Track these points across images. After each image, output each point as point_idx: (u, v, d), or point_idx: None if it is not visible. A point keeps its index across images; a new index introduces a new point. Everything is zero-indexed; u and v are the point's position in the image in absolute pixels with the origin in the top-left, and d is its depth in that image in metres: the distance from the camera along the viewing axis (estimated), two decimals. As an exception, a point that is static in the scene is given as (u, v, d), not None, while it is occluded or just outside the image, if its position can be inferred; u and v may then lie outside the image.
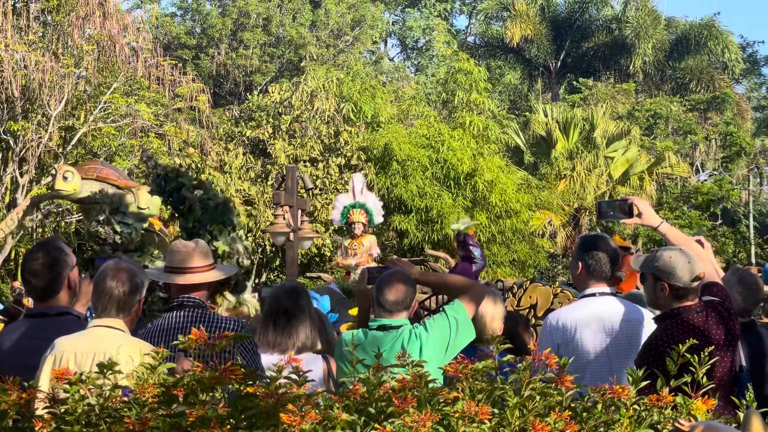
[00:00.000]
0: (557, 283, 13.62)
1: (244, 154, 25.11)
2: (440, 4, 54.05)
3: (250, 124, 26.51)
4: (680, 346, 3.54)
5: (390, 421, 2.83)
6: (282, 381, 2.93)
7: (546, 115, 33.92)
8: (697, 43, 48.83)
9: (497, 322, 5.92)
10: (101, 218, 11.78)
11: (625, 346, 5.33)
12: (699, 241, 5.59)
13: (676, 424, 2.11)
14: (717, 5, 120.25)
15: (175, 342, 3.23)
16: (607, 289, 5.52)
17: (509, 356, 3.34)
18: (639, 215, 5.43)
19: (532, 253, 26.06)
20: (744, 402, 3.39)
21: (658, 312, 5.13)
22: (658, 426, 3.04)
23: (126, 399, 2.88)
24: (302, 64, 37.45)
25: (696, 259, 5.00)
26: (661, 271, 4.94)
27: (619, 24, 49.36)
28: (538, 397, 3.07)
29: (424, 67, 50.62)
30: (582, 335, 5.37)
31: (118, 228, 11.74)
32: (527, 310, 12.23)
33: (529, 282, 12.99)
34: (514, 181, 25.76)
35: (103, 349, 4.33)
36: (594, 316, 5.40)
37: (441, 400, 3.04)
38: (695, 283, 4.95)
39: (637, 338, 5.30)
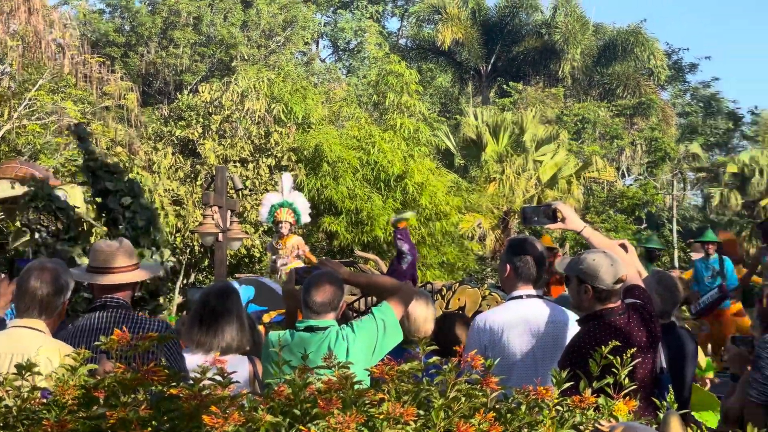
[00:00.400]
0: (486, 285, 13.70)
1: (173, 153, 24.86)
2: (372, 6, 54.13)
3: (180, 123, 26.27)
4: (603, 347, 3.57)
5: (315, 423, 2.81)
6: (206, 382, 2.89)
7: (476, 119, 34.14)
8: (624, 50, 49.50)
9: (430, 323, 5.93)
10: (40, 205, 11.49)
11: (551, 348, 5.36)
12: (623, 245, 5.65)
13: (597, 425, 2.12)
14: (644, 12, 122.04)
15: (97, 343, 3.17)
16: (533, 292, 5.56)
17: (435, 358, 3.34)
18: (563, 220, 5.46)
19: (462, 255, 26.16)
20: (664, 403, 3.42)
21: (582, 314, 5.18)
22: (581, 427, 3.06)
23: (45, 401, 2.82)
24: (233, 64, 37.24)
25: (619, 262, 5.06)
26: (585, 274, 4.99)
27: (549, 29, 49.83)
28: (463, 399, 3.07)
29: (356, 69, 50.65)
30: (509, 337, 5.39)
31: (58, 214, 11.50)
32: (455, 312, 12.25)
33: (457, 284, 13.01)
34: (445, 183, 25.84)
35: (21, 350, 4.26)
36: (521, 318, 5.43)
37: (367, 402, 3.02)
38: (618, 286, 5.01)
39: (562, 340, 5.34)
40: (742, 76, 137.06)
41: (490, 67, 51.30)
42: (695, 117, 58.60)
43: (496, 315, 5.63)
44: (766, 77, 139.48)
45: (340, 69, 51.08)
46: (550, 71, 49.84)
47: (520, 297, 5.52)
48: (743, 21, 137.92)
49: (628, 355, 3.62)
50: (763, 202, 43.30)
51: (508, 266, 5.57)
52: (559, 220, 5.47)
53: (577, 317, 5.22)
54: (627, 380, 3.52)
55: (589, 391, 3.23)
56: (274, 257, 15.39)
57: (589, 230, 5.52)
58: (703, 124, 58.20)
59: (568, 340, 5.23)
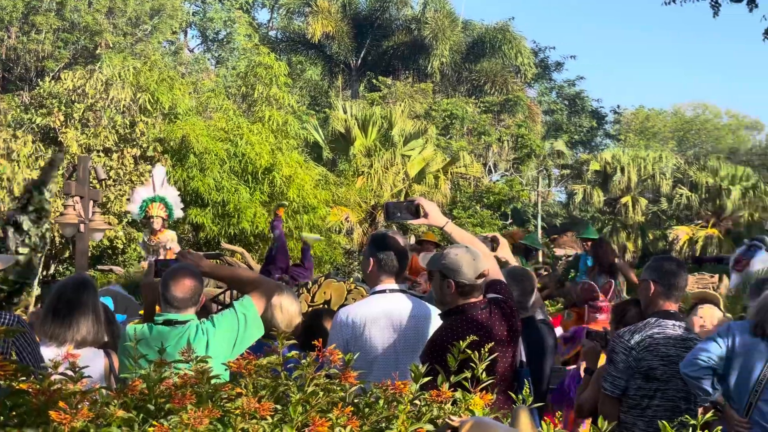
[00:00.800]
0: (352, 279, 13.69)
1: (33, 141, 24.20)
2: (242, -4, 53.69)
3: (41, 111, 25.59)
4: (461, 342, 3.59)
5: (169, 418, 2.76)
6: (57, 377, 2.81)
7: (345, 112, 34.17)
8: (492, 47, 50.22)
9: (297, 318, 5.91)
10: None
11: (412, 342, 5.39)
12: (495, 238, 5.73)
13: (447, 420, 2.12)
14: (512, 11, 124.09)
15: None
16: (396, 286, 5.58)
17: (294, 352, 3.31)
18: (425, 215, 5.48)
19: (329, 249, 26.14)
20: (520, 397, 3.46)
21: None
22: (438, 421, 3.07)
23: None
24: (98, 52, 36.47)
25: (481, 257, 5.11)
26: (448, 269, 5.03)
27: (419, 25, 50.22)
28: (321, 393, 3.05)
29: (225, 60, 50.14)
30: (371, 331, 5.39)
31: None
32: (321, 305, 12.23)
33: (323, 278, 12.99)
34: (313, 177, 25.77)
35: None
36: (383, 312, 5.44)
37: (224, 397, 2.98)
38: (480, 281, 5.07)
39: (424, 334, 5.37)
40: (605, 75, 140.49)
41: (359, 61, 51.48)
42: (560, 115, 59.82)
43: (358, 309, 5.63)
44: (628, 77, 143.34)
45: (208, 59, 50.51)
46: (419, 66, 50.25)
47: (384, 291, 5.53)
48: (607, 21, 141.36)
49: (486, 350, 3.65)
50: (624, 200, 44.44)
51: (371, 260, 5.58)
52: (421, 215, 5.48)
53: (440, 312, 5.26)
54: (485, 374, 3.55)
55: (446, 386, 3.24)
56: (147, 256, 15.20)
57: (450, 226, 5.55)
58: (567, 121, 59.46)
59: (430, 334, 5.27)
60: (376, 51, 51.60)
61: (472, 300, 5.09)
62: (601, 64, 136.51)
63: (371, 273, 5.61)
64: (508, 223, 39.81)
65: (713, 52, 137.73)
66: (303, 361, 3.11)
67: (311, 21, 48.59)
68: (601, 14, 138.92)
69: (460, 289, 5.05)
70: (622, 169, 44.84)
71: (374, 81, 47.47)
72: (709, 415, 3.31)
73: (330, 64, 52.56)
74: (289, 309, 5.53)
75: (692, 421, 3.10)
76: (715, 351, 5.10)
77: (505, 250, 5.78)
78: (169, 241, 15.27)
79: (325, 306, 12.15)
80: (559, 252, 41.51)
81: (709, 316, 7.01)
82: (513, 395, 3.62)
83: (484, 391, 3.32)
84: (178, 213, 16.01)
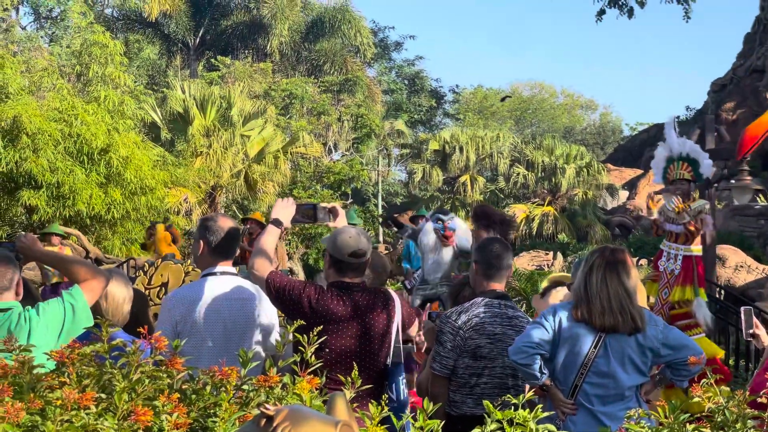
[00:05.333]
0: (189, 261, 13.54)
1: None
2: (76, -27, 52.27)
3: None
4: (288, 326, 3.63)
5: (-15, 411, 2.71)
6: None
7: (184, 92, 33.66)
8: (332, 27, 50.28)
9: (127, 305, 5.83)
10: None
11: (241, 325, 5.42)
12: (333, 209, 5.84)
13: (262, 409, 2.16)
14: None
15: None
16: (229, 268, 5.59)
17: (119, 339, 3.30)
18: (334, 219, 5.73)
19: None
20: (349, 379, 3.51)
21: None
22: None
23: None
24: None
25: (362, 239, 5.30)
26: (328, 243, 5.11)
27: (257, 4, 49.91)
28: (147, 381, 3.05)
29: (59, 38, 48.75)
30: (200, 313, 5.38)
31: None
32: (159, 288, 12.09)
33: (161, 260, 12.83)
34: (150, 157, 25.34)
35: None
36: (212, 294, 5.44)
37: (46, 387, 2.95)
38: (354, 259, 5.29)
39: (252, 316, 5.43)
40: (444, 55, 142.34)
41: (198, 41, 50.84)
42: (400, 95, 60.34)
43: (187, 291, 5.64)
44: (466, 57, 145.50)
45: (42, 37, 49.01)
46: (258, 46, 49.96)
47: (214, 274, 5.54)
48: (446, 2, 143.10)
49: (314, 333, 3.70)
50: (462, 179, 45.15)
51: (201, 242, 5.57)
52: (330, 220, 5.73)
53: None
54: (313, 358, 3.60)
55: (274, 370, 3.27)
56: None
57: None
58: (407, 101, 60.02)
59: (258, 317, 5.35)
60: (215, 30, 51.05)
61: (346, 279, 5.25)
62: (440, 45, 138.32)
63: (201, 255, 5.60)
64: (348, 202, 39.99)
65: (550, 33, 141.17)
66: (128, 348, 3.10)
67: (148, -1, 47.73)
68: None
69: (335, 264, 5.27)
70: (461, 149, 45.46)
71: (213, 60, 46.98)
72: (529, 394, 3.43)
73: (168, 43, 51.75)
74: (116, 296, 5.44)
75: (514, 401, 3.21)
76: (541, 336, 5.18)
77: (342, 221, 5.86)
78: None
79: (163, 288, 12.04)
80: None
81: (557, 298, 7.19)
82: (342, 378, 3.67)
83: (312, 375, 3.36)
84: None
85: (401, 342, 5.37)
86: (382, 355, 5.25)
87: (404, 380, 5.33)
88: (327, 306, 5.12)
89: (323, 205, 5.89)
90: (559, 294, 7.29)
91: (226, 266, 5.57)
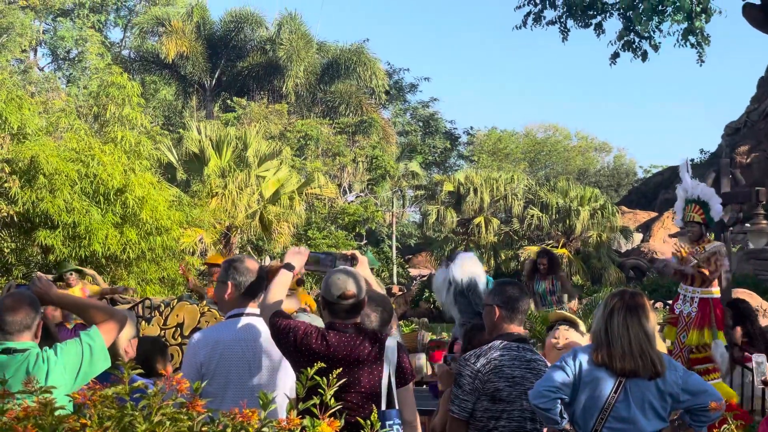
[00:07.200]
0: (204, 302, 13.54)
1: None
2: (94, 15, 52.74)
3: None
4: (308, 369, 3.62)
5: (10, 452, 2.72)
6: None
7: (199, 133, 33.82)
8: (347, 68, 50.54)
9: (132, 347, 5.83)
10: None
11: (267, 367, 5.42)
12: (354, 256, 5.86)
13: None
14: (367, 32, 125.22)
15: None
16: (254, 310, 5.59)
17: (141, 381, 3.30)
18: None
19: (183, 271, 25.81)
20: (368, 422, 3.51)
21: None
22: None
23: None
24: (-58, 69, 35.34)
25: (352, 281, 5.28)
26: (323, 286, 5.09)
27: (273, 45, 50.18)
28: (168, 423, 3.05)
29: (76, 79, 49.17)
30: (224, 355, 5.39)
31: None
32: (174, 328, 12.09)
33: (176, 300, 12.84)
34: (166, 197, 25.43)
35: None
36: (237, 336, 5.45)
37: (68, 429, 2.95)
38: (344, 301, 5.21)
39: (277, 359, 5.42)
40: (459, 97, 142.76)
41: (214, 82, 51.12)
42: (414, 136, 60.41)
43: (212, 333, 5.64)
44: (481, 99, 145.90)
45: (59, 78, 49.48)
46: (274, 87, 50.18)
47: (240, 315, 5.56)
48: (461, 44, 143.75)
49: (334, 375, 3.69)
50: (476, 220, 45.08)
51: (230, 285, 5.59)
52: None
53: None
54: (333, 400, 3.59)
55: (294, 413, 3.27)
56: None
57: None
58: (422, 143, 60.07)
59: (283, 359, 5.36)
60: (231, 71, 51.32)
61: (338, 321, 5.23)
62: (455, 87, 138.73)
63: (229, 297, 5.62)
64: (362, 243, 40.01)
65: (563, 75, 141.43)
66: (149, 390, 3.10)
67: (165, 41, 48.02)
68: (454, 37, 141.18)
69: (327, 306, 5.26)
70: (475, 190, 45.38)
71: (229, 102, 47.20)
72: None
73: (184, 84, 52.05)
74: (122, 335, 5.45)
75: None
76: (562, 379, 5.16)
77: (363, 268, 5.86)
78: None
79: (178, 328, 12.03)
80: (413, 272, 41.95)
81: (564, 336, 7.15)
82: (362, 421, 3.66)
83: (332, 418, 3.35)
84: None
85: (395, 388, 5.30)
86: (368, 394, 5.17)
87: (400, 426, 5.25)
88: (309, 345, 5.10)
89: (343, 252, 5.93)
90: (562, 332, 7.23)
91: (254, 308, 5.59)
